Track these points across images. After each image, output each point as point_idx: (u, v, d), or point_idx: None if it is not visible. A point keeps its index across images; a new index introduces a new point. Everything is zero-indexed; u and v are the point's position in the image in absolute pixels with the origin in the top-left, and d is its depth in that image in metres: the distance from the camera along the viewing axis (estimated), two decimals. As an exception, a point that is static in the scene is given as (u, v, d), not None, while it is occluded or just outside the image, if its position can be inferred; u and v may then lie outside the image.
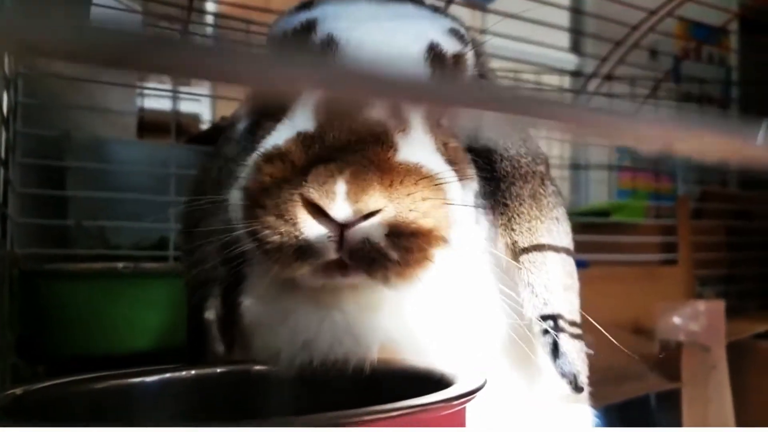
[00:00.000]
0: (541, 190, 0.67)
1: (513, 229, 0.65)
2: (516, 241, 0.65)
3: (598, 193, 3.17)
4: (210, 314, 0.67)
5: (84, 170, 1.56)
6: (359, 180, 0.51)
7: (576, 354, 0.65)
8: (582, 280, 2.44)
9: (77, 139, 1.55)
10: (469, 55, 0.65)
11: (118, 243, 1.58)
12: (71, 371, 1.11)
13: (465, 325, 0.64)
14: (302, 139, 0.54)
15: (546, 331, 0.64)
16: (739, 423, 1.66)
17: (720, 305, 1.78)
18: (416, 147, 0.56)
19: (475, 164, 0.67)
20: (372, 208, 0.51)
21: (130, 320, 1.11)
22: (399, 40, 0.60)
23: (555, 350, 0.64)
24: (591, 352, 0.72)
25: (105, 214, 1.57)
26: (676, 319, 1.77)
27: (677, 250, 2.32)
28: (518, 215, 0.65)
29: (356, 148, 0.52)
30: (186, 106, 2.04)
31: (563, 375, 0.64)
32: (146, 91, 2.09)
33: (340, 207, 0.51)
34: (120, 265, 1.42)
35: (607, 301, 2.22)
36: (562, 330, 0.64)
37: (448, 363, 0.60)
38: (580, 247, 2.25)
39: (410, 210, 0.53)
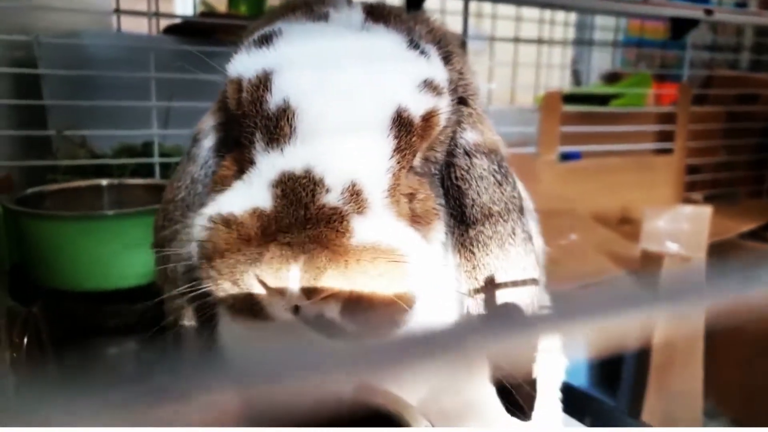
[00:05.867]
0: (510, 240, 0.65)
1: (476, 278, 0.64)
2: (479, 290, 0.64)
3: (602, 63, 3.05)
4: (186, 328, 0.69)
5: (59, 76, 1.49)
6: (313, 266, 0.51)
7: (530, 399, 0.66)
8: (574, 172, 2.41)
9: (49, 43, 1.46)
10: (443, 106, 0.61)
11: (102, 151, 1.56)
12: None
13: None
14: (258, 215, 0.54)
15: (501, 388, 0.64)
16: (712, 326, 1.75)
17: (706, 211, 1.79)
18: (375, 223, 0.55)
19: (447, 204, 0.64)
20: (325, 292, 0.52)
21: (115, 258, 1.13)
22: (363, 107, 0.56)
23: (510, 405, 0.65)
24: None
25: (86, 122, 1.53)
26: (661, 224, 1.79)
27: (674, 138, 2.29)
28: (483, 266, 0.64)
29: (311, 234, 0.52)
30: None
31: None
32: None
33: (293, 292, 0.51)
34: (104, 181, 1.42)
35: (597, 192, 2.24)
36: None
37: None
38: (574, 139, 2.21)
39: (365, 288, 0.53)
